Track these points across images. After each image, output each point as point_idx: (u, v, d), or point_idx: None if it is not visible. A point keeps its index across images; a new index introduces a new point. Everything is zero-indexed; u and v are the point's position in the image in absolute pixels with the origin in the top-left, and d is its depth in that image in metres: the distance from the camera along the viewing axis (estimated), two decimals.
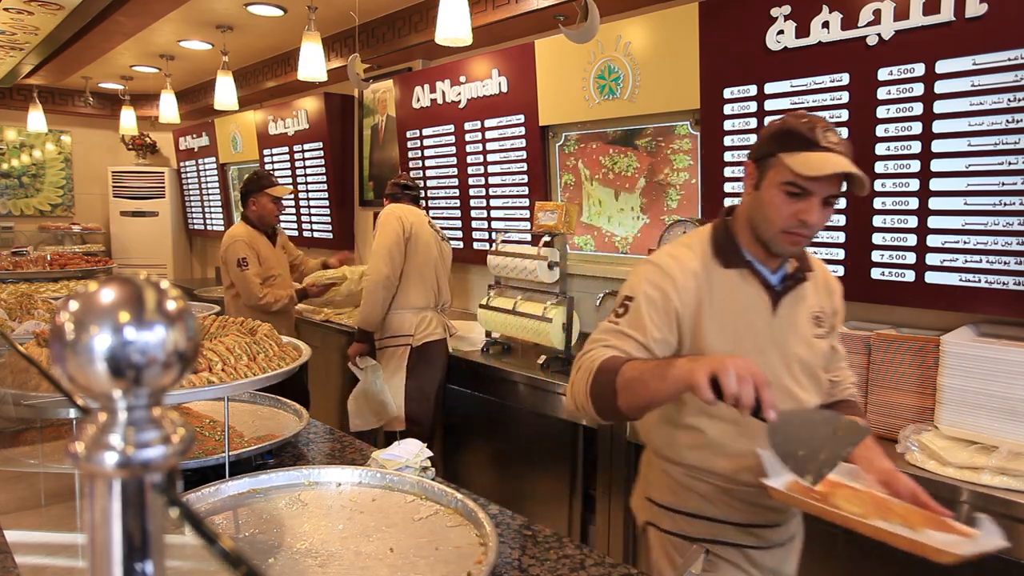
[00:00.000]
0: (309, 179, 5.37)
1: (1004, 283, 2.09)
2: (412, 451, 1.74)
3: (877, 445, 1.40)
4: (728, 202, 2.71)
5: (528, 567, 1.34)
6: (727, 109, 2.67)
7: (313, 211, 5.44)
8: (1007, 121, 2.01)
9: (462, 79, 3.88)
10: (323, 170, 5.21)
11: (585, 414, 1.33)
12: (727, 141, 2.69)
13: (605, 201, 3.49)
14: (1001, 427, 1.89)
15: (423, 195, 4.16)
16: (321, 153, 5.16)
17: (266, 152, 5.74)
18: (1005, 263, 2.08)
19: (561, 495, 2.91)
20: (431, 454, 1.77)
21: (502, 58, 3.66)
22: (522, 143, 3.68)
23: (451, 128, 4.04)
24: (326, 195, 5.26)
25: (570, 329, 3.09)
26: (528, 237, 3.56)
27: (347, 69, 3.87)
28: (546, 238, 3.17)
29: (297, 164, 5.44)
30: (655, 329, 1.35)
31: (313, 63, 3.63)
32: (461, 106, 3.94)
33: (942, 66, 2.12)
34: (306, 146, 5.30)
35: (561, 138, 3.62)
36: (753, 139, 2.61)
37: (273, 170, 5.51)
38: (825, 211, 1.33)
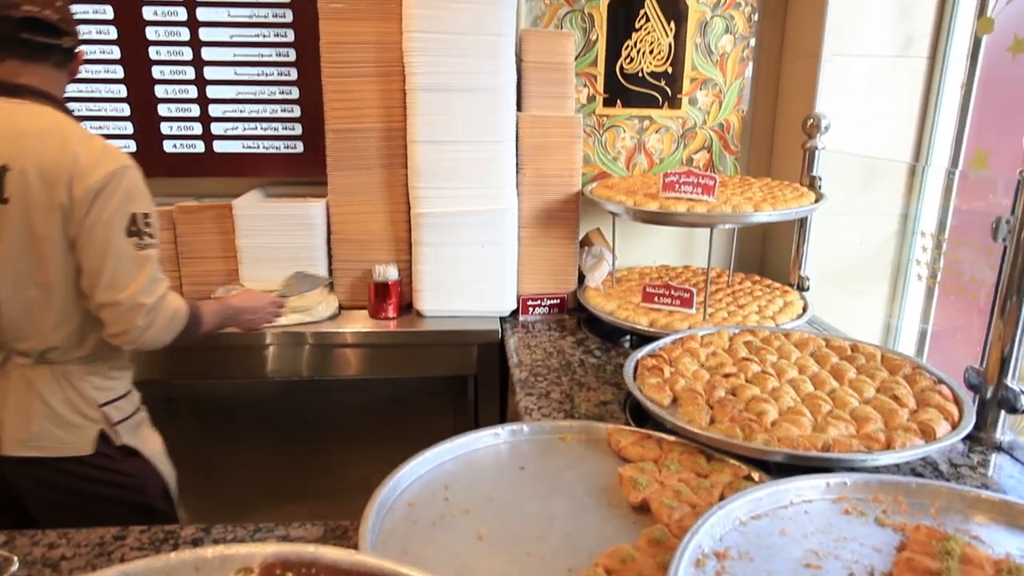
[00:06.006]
0: None
1: (277, 148, 2.45)
2: None
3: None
4: None
5: None
6: None
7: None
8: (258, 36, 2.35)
9: None
10: None
11: (152, 344, 1.57)
12: None
13: None
14: (282, 274, 2.20)
15: None
16: None
17: None
18: (275, 129, 2.42)
19: None
20: None
21: None
22: None
23: None
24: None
25: None
26: None
27: None
28: None
29: None
30: None
31: None
32: None
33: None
34: None
35: None
36: None
37: None
38: None
